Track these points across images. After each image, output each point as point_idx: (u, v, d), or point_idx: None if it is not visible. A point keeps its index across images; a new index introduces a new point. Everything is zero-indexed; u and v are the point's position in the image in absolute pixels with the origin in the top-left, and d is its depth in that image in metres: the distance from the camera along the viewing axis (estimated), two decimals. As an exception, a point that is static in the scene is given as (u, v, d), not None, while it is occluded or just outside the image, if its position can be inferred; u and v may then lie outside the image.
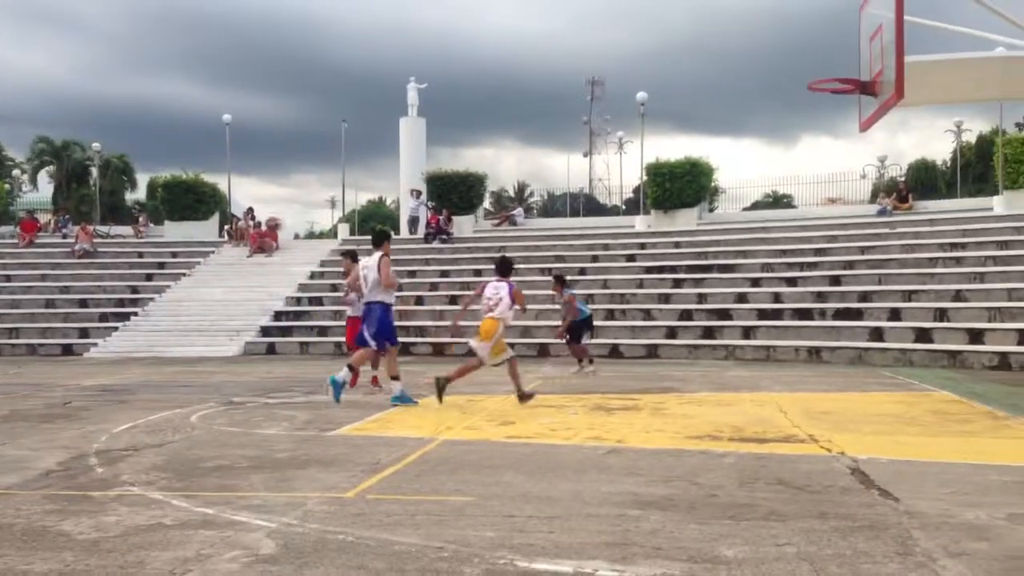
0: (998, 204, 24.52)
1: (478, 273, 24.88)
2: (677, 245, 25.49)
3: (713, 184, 30.89)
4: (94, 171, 44.32)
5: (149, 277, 28.49)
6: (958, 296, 19.45)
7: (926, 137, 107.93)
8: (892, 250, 22.68)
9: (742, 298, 21.57)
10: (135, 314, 25.69)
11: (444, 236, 29.08)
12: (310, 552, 4.46)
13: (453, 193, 30.76)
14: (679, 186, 28.15)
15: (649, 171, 29.23)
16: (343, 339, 23.35)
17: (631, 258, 25.66)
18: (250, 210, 32.85)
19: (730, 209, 34.52)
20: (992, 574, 4.04)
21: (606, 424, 9.16)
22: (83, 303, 26.57)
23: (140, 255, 30.21)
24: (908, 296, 20.04)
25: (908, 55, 10.25)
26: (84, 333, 24.64)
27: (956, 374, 15.40)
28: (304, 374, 16.36)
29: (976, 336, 17.68)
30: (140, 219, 33.77)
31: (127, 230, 33.58)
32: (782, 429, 8.73)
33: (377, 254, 11.36)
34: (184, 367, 18.51)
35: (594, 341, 21.01)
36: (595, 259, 26.11)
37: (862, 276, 21.44)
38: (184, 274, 28.45)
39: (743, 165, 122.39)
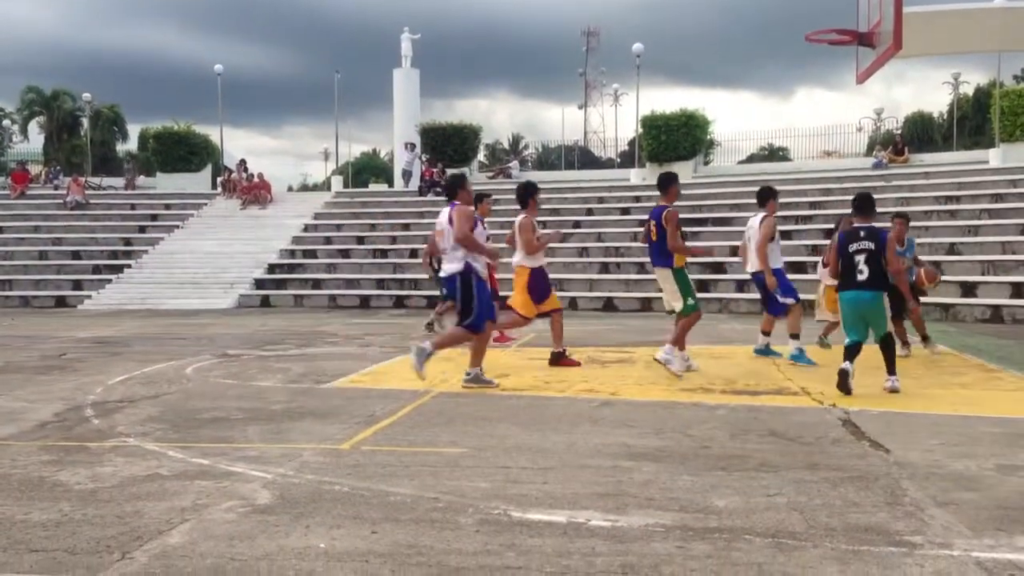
0: (994, 157, 24.45)
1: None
2: (672, 198, 25.37)
3: (709, 137, 30.73)
4: (85, 122, 43.91)
5: (142, 229, 28.37)
6: (952, 249, 19.47)
7: (923, 89, 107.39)
8: (887, 203, 22.57)
9: (736, 251, 21.52)
10: (128, 266, 25.66)
11: (438, 189, 28.95)
12: (306, 503, 4.50)
13: (447, 146, 30.59)
14: (675, 139, 28.02)
15: (644, 123, 29.06)
16: (338, 292, 23.54)
17: (626, 211, 25.60)
18: (242, 162, 32.64)
19: (725, 162, 34.41)
20: (980, 523, 4.09)
21: (600, 376, 9.20)
22: (76, 255, 26.50)
23: (133, 207, 30.05)
24: (902, 249, 20.03)
25: (907, 5, 10.15)
26: (77, 285, 24.63)
27: (949, 327, 15.47)
28: (298, 327, 16.38)
29: (969, 289, 17.74)
30: (129, 171, 33.38)
31: (119, 181, 33.35)
32: (774, 381, 8.78)
33: (760, 214, 10.22)
34: (178, 319, 18.52)
35: (589, 294, 21.07)
36: (590, 212, 26.04)
37: (857, 229, 21.44)
38: (177, 226, 28.34)
39: (739, 118, 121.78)
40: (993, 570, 3.51)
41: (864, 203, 8.13)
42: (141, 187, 32.29)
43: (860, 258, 7.78)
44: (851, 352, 7.77)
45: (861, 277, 7.78)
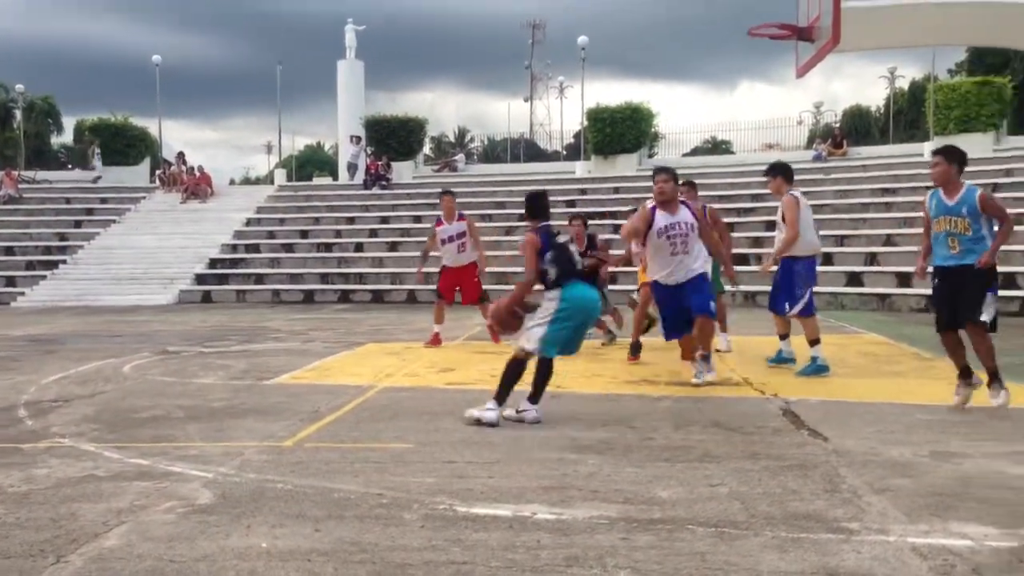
0: (928, 150, 24.99)
1: (418, 220, 24.75)
2: (617, 191, 25.56)
3: (653, 130, 30.97)
4: (18, 114, 42.78)
5: (78, 224, 27.76)
6: (888, 240, 19.89)
7: (860, 83, 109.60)
8: (827, 195, 23.05)
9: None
10: (64, 262, 25.09)
11: (383, 182, 28.78)
12: (248, 501, 4.44)
13: (392, 138, 30.40)
14: (619, 131, 28.20)
15: (590, 116, 29.21)
16: (281, 287, 23.26)
17: (571, 204, 25.63)
18: (180, 154, 32.11)
19: (670, 155, 34.66)
20: (915, 509, 4.18)
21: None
22: (9, 251, 25.86)
23: (68, 201, 29.40)
24: (841, 240, 20.43)
25: (845, 1, 10.31)
26: (10, 282, 24.02)
27: (885, 317, 15.83)
28: (241, 323, 16.16)
29: (904, 279, 18.11)
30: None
31: (55, 175, 32.51)
32: (718, 373, 8.86)
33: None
34: (116, 316, 18.15)
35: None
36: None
37: (797, 221, 21.78)
38: (114, 221, 27.78)
39: (683, 111, 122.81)
40: (928, 555, 3.59)
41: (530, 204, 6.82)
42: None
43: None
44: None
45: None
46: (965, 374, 6.77)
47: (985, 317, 6.55)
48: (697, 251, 7.80)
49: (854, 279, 18.74)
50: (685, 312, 7.79)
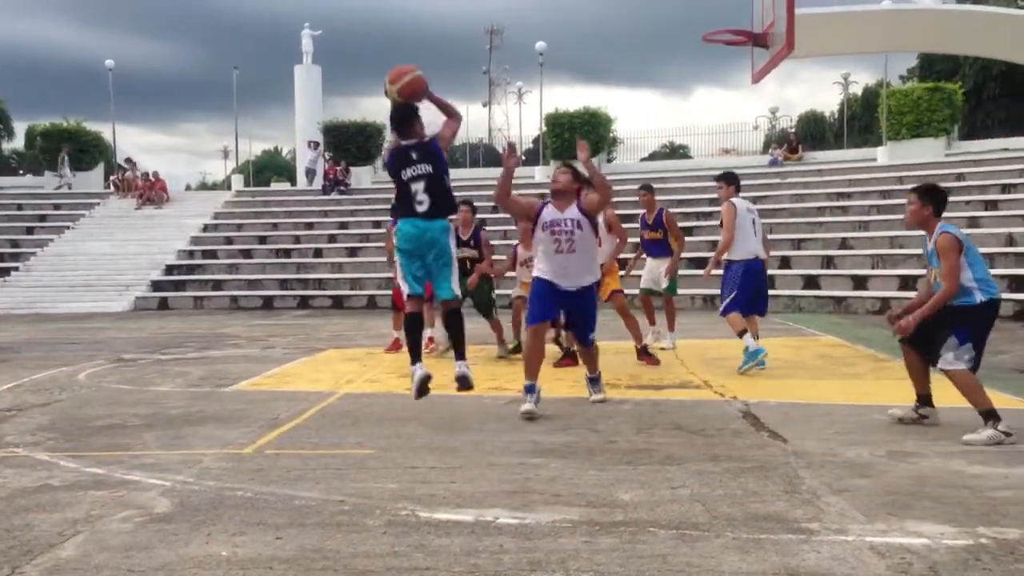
0: (881, 155, 25.46)
1: (377, 224, 24.62)
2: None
3: (611, 134, 31.14)
4: (-33, 119, 41.91)
5: (30, 230, 27.24)
6: (844, 244, 20.19)
7: (815, 88, 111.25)
8: (783, 199, 23.33)
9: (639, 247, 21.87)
10: (15, 269, 24.61)
11: (342, 187, 28.62)
12: (207, 509, 4.38)
13: (351, 143, 30.23)
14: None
15: (549, 121, 29.30)
16: (239, 293, 23.01)
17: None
18: (129, 160, 31.74)
19: (628, 160, 34.90)
20: (872, 509, 4.24)
21: (507, 374, 9.21)
22: (-41, 258, 25.29)
23: (19, 207, 28.83)
24: (797, 244, 20.69)
25: (798, 7, 10.45)
26: (-39, 290, 23.48)
27: (842, 319, 16.05)
28: (198, 329, 15.96)
29: (860, 282, 18.42)
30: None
31: (7, 180, 31.87)
32: (678, 376, 8.95)
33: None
34: (70, 324, 17.84)
35: (496, 292, 21.07)
36: (496, 209, 25.96)
37: (754, 225, 22.01)
38: (68, 227, 27.31)
39: (641, 116, 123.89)
40: (886, 554, 3.64)
41: None
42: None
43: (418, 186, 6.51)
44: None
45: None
46: (923, 401, 6.34)
47: (943, 365, 5.93)
48: (586, 259, 7.05)
49: (811, 282, 18.98)
50: (558, 312, 7.42)
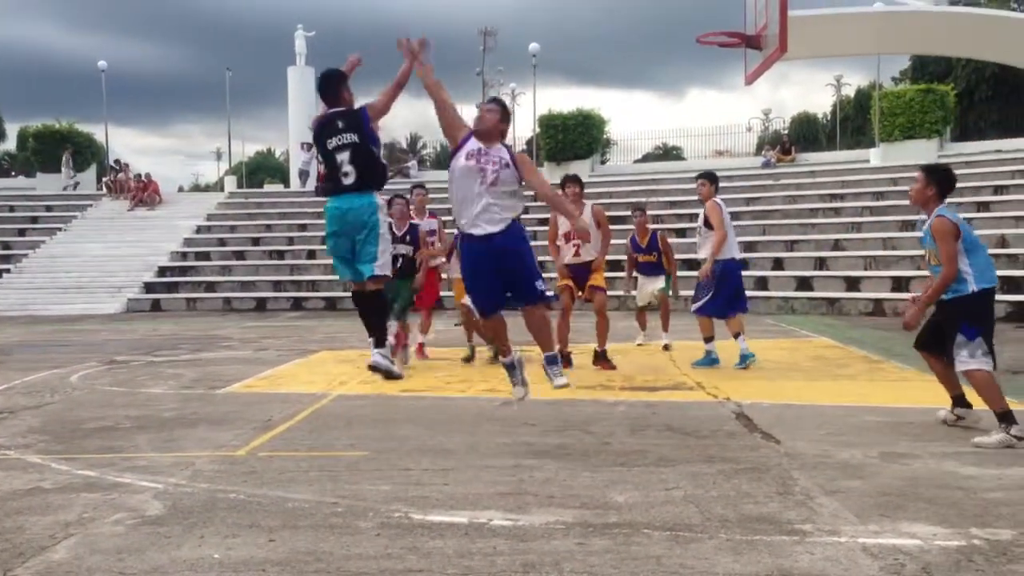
0: (874, 156, 25.52)
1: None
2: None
3: (605, 136, 31.19)
4: (-42, 120, 41.78)
5: (22, 232, 27.18)
6: (837, 245, 20.23)
7: (807, 90, 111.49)
8: (776, 201, 23.39)
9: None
10: (7, 271, 24.56)
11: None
12: (200, 512, 4.37)
13: (344, 145, 30.16)
14: (572, 138, 28.34)
15: (542, 123, 29.33)
16: (232, 295, 22.95)
17: (524, 210, 25.71)
18: (118, 162, 31.72)
19: (622, 161, 34.94)
20: (865, 510, 4.25)
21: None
22: (-50, 260, 25.21)
23: (11, 209, 28.75)
24: (790, 246, 20.74)
25: (791, 10, 10.48)
26: (-47, 292, 23.40)
27: (835, 320, 16.08)
28: (191, 331, 15.93)
29: (853, 284, 18.46)
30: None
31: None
32: (672, 377, 8.96)
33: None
34: (62, 326, 17.79)
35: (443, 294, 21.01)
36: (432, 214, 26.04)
37: (748, 227, 22.04)
38: (60, 229, 27.25)
39: (634, 117, 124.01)
40: (878, 555, 3.65)
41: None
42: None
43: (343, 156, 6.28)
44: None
45: None
46: (957, 402, 6.18)
47: (960, 367, 5.82)
48: (508, 201, 6.03)
49: (804, 283, 19.02)
50: (503, 277, 6.15)
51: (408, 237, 9.81)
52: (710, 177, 9.91)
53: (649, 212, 11.74)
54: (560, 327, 9.09)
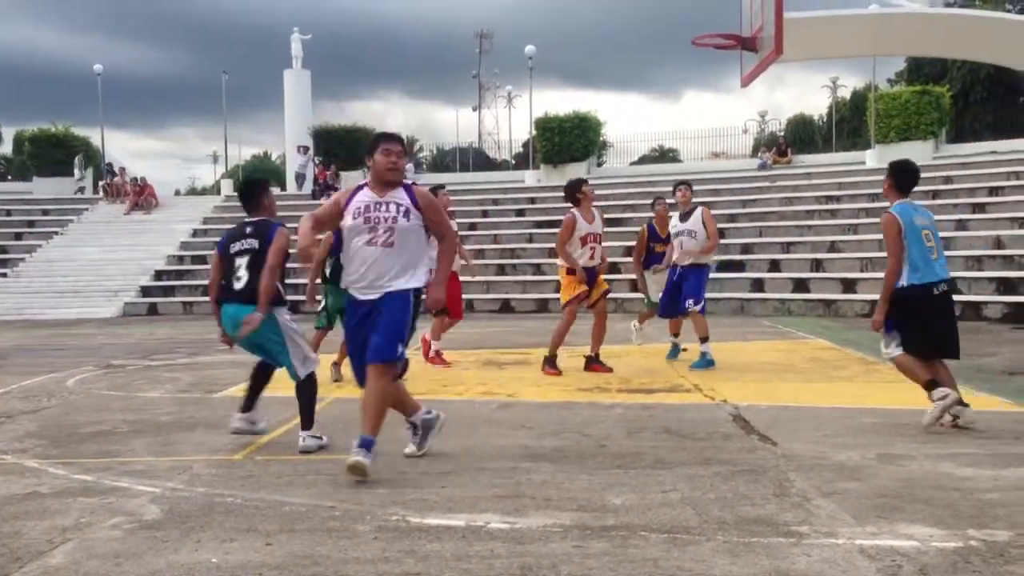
0: (870, 158, 25.54)
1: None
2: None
3: (601, 138, 31.20)
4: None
5: (18, 236, 27.15)
6: (833, 247, 20.26)
7: (803, 92, 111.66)
8: (772, 203, 23.41)
9: (630, 252, 21.90)
10: (4, 275, 24.53)
11: (332, 192, 28.57)
12: (197, 516, 4.37)
13: (340, 148, 30.24)
14: (568, 140, 28.35)
15: (538, 125, 29.33)
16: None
17: (521, 212, 25.77)
18: (110, 165, 31.74)
19: (618, 163, 34.99)
20: (862, 511, 4.25)
21: (498, 378, 9.23)
22: (-53, 265, 25.16)
23: (8, 213, 28.73)
24: (787, 248, 20.76)
25: (787, 12, 10.51)
26: (-51, 296, 23.36)
27: (831, 322, 16.09)
28: (188, 335, 15.91)
29: (849, 285, 18.48)
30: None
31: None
32: (668, 379, 8.96)
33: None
34: (59, 330, 17.77)
35: (485, 296, 21.10)
36: (485, 214, 26.11)
37: (744, 228, 22.10)
38: (56, 233, 27.22)
39: (630, 120, 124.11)
40: (875, 556, 3.65)
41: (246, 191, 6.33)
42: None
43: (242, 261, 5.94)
44: None
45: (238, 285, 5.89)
46: (927, 387, 6.21)
47: (883, 356, 6.57)
48: (406, 259, 5.23)
49: (800, 285, 19.04)
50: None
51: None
52: (690, 184, 10.36)
53: (646, 214, 11.75)
54: (563, 333, 9.30)
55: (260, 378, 6.20)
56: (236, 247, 5.97)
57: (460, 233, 10.59)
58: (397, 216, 5.19)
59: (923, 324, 6.16)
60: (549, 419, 6.84)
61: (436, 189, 10.83)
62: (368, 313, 5.22)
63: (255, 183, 6.40)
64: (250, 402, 6.14)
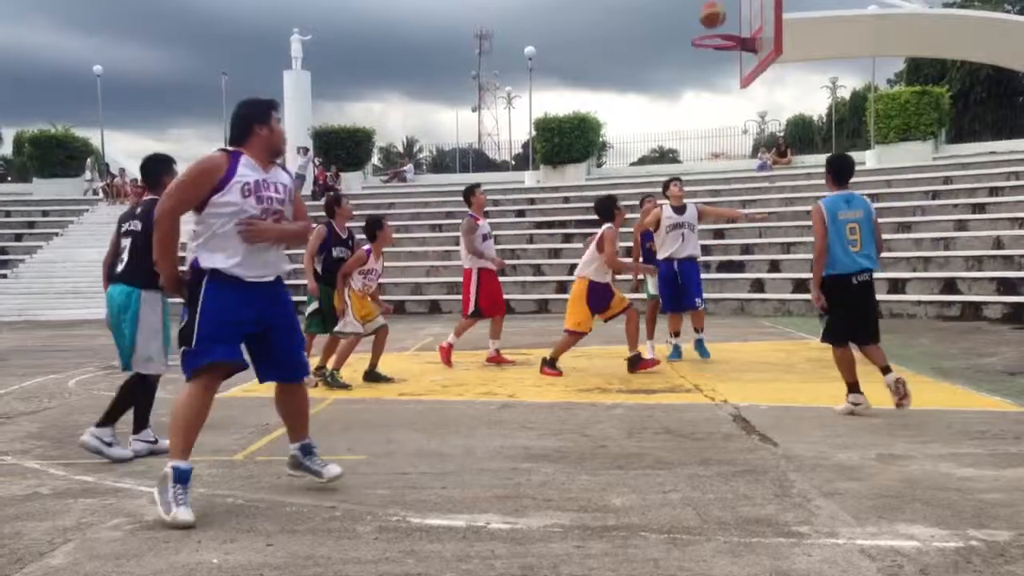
0: (870, 158, 25.54)
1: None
2: (566, 200, 25.69)
3: (601, 139, 31.21)
4: (-47, 125, 41.75)
5: (18, 237, 27.16)
6: (833, 247, 20.21)
7: (803, 92, 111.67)
8: (772, 203, 23.39)
9: (630, 252, 21.92)
10: (4, 276, 24.53)
11: (332, 193, 28.58)
12: (198, 516, 4.36)
13: (340, 149, 30.27)
14: (568, 141, 28.35)
15: (538, 126, 29.34)
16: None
17: (521, 213, 25.76)
18: (107, 166, 31.79)
19: (618, 164, 34.97)
20: (863, 511, 4.26)
21: (498, 379, 9.23)
22: (-53, 266, 25.18)
23: (7, 214, 28.74)
24: (787, 248, 20.75)
25: (786, 12, 10.51)
26: (-51, 297, 23.37)
27: (831, 322, 16.04)
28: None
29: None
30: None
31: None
32: (669, 380, 8.96)
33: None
34: (60, 331, 17.76)
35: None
36: (485, 215, 26.01)
37: (744, 229, 22.08)
38: (57, 234, 27.22)
39: (630, 120, 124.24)
40: (876, 556, 3.65)
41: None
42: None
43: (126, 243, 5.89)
44: None
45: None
46: (883, 371, 7.01)
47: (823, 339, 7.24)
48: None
49: (800, 286, 19.01)
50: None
51: (350, 242, 9.39)
52: (680, 180, 10.82)
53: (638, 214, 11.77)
54: (567, 348, 9.58)
55: (129, 393, 5.94)
56: (124, 227, 5.84)
57: (494, 234, 10.68)
58: (284, 199, 4.69)
59: (843, 310, 6.86)
60: (549, 420, 6.85)
61: (473, 188, 10.98)
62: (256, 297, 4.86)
63: (155, 159, 5.93)
64: (110, 417, 5.82)
